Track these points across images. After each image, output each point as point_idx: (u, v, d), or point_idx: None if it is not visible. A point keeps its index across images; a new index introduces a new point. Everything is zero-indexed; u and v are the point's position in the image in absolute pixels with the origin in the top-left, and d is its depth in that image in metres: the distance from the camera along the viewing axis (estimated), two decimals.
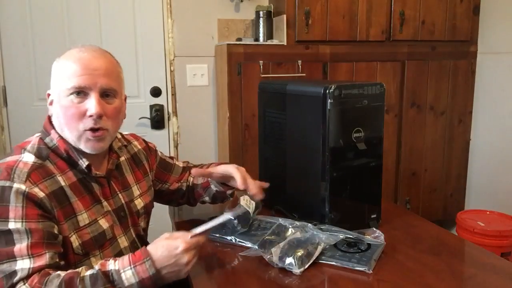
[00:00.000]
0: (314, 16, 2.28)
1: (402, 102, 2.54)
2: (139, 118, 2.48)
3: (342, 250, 1.11)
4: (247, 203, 1.18)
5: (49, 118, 1.08)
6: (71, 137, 1.03)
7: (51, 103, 1.06)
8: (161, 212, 1.50)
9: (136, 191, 1.20)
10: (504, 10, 2.58)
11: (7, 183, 0.93)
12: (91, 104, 1.00)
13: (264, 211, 1.31)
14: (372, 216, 1.30)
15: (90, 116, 1.00)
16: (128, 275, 0.91)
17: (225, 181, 1.26)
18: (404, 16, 2.43)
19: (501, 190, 2.66)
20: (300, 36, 2.29)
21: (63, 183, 1.01)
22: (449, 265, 1.07)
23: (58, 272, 0.91)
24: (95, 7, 2.35)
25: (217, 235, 1.21)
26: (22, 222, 0.91)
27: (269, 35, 2.41)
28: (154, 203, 1.30)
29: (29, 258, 0.90)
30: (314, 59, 2.33)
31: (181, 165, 1.39)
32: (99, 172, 1.09)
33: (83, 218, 1.02)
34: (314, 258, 1.06)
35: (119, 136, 1.22)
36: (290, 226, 1.18)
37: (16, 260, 0.89)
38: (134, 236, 1.16)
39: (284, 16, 2.26)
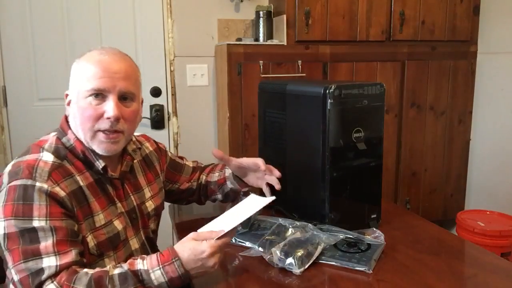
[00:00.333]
0: (314, 16, 2.28)
1: (402, 102, 2.54)
2: None
3: (342, 250, 1.11)
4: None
5: (66, 118, 1.08)
6: (84, 138, 1.03)
7: (68, 104, 1.06)
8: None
9: (147, 193, 1.20)
10: (504, 10, 2.58)
11: (29, 182, 0.92)
12: (109, 107, 1.00)
13: (264, 211, 1.30)
14: (372, 216, 1.30)
15: (108, 118, 1.00)
16: (157, 275, 0.92)
17: (242, 174, 1.26)
18: (404, 16, 2.43)
19: (501, 190, 2.66)
20: (300, 36, 2.29)
21: (81, 183, 1.01)
22: (449, 265, 1.07)
23: (86, 270, 0.91)
24: (95, 7, 2.34)
25: None
26: (46, 220, 0.91)
27: (269, 35, 2.40)
28: None
29: (55, 255, 0.89)
30: (314, 59, 2.33)
31: (191, 165, 1.40)
32: (113, 174, 1.09)
33: (100, 218, 1.03)
34: (314, 258, 1.06)
35: (134, 139, 1.21)
36: (290, 226, 1.18)
37: (42, 258, 0.89)
38: (143, 238, 1.17)
39: (284, 16, 2.26)
